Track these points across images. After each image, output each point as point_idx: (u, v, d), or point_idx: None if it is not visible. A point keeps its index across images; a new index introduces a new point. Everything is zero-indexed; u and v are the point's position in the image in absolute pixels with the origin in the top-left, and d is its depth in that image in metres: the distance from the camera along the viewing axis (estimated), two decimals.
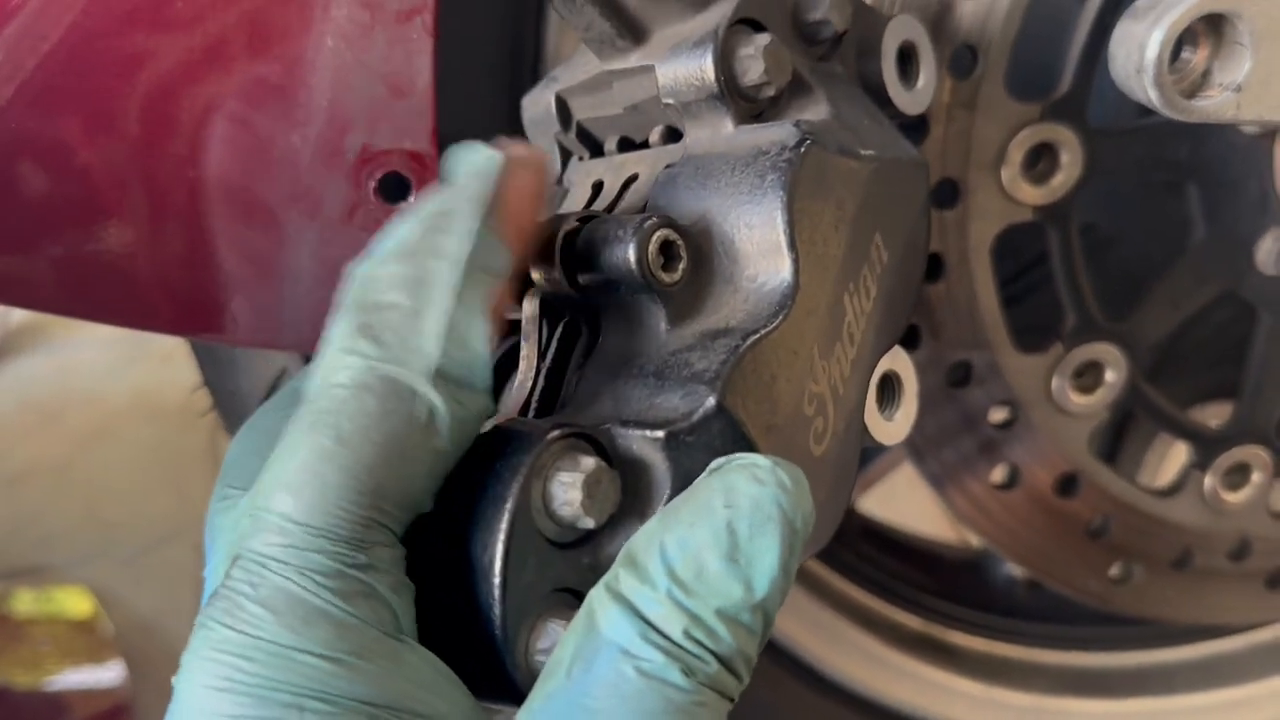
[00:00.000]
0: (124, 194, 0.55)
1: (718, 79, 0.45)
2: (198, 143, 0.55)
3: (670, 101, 0.47)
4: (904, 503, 1.03)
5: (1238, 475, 0.73)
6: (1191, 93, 0.54)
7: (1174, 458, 0.84)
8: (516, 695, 0.35)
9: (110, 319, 0.58)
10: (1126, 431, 0.88)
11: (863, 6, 0.51)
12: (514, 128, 0.55)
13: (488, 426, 0.41)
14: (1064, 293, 0.68)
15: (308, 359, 0.62)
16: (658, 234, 0.42)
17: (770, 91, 0.47)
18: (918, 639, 0.88)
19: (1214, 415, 0.79)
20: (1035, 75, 0.63)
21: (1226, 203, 0.68)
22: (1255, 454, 0.73)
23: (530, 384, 0.44)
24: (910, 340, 0.66)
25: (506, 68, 0.65)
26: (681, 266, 0.43)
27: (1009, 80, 0.61)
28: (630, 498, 0.38)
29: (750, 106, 0.47)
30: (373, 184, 0.56)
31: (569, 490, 0.36)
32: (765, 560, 0.33)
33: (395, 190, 0.56)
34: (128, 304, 0.57)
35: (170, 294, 0.58)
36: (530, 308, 0.45)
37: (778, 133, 0.44)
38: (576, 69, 0.52)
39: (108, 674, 1.44)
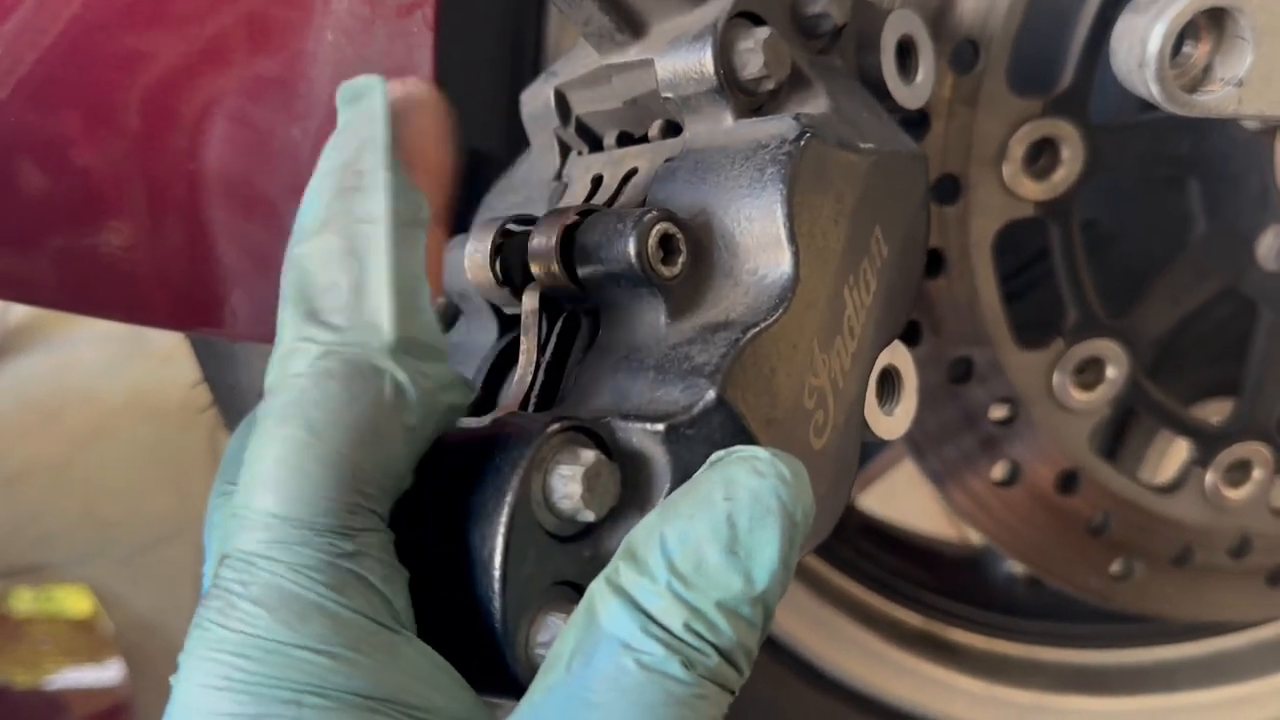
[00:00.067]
0: (123, 189, 0.55)
1: (717, 72, 0.45)
2: (198, 137, 0.55)
3: (669, 95, 0.47)
4: (904, 500, 1.04)
5: (1238, 472, 0.73)
6: (1193, 87, 0.54)
7: (1175, 454, 0.84)
8: (516, 689, 0.35)
9: (110, 314, 0.58)
10: (1127, 428, 0.88)
11: (862, 0, 0.51)
12: (514, 121, 0.54)
13: (488, 420, 0.41)
14: (1065, 289, 0.68)
15: None
16: (657, 227, 0.41)
17: (770, 85, 0.46)
18: (918, 636, 0.88)
19: (1215, 412, 0.79)
20: (1037, 70, 0.63)
21: (1227, 198, 0.68)
22: (1256, 450, 0.73)
23: (530, 378, 0.44)
24: (911, 336, 0.66)
25: (507, 62, 0.65)
26: (681, 260, 0.42)
27: (1010, 75, 0.61)
28: (630, 491, 0.38)
29: (750, 100, 0.47)
30: None
31: (569, 483, 0.36)
32: (765, 553, 0.33)
33: None
34: (127, 299, 0.57)
35: (170, 288, 0.58)
36: (530, 302, 0.45)
37: (777, 126, 0.44)
38: (576, 63, 0.52)
39: (107, 673, 1.44)
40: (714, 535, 0.33)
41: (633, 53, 0.49)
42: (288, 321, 0.37)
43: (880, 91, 0.52)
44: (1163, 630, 0.90)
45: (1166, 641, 0.91)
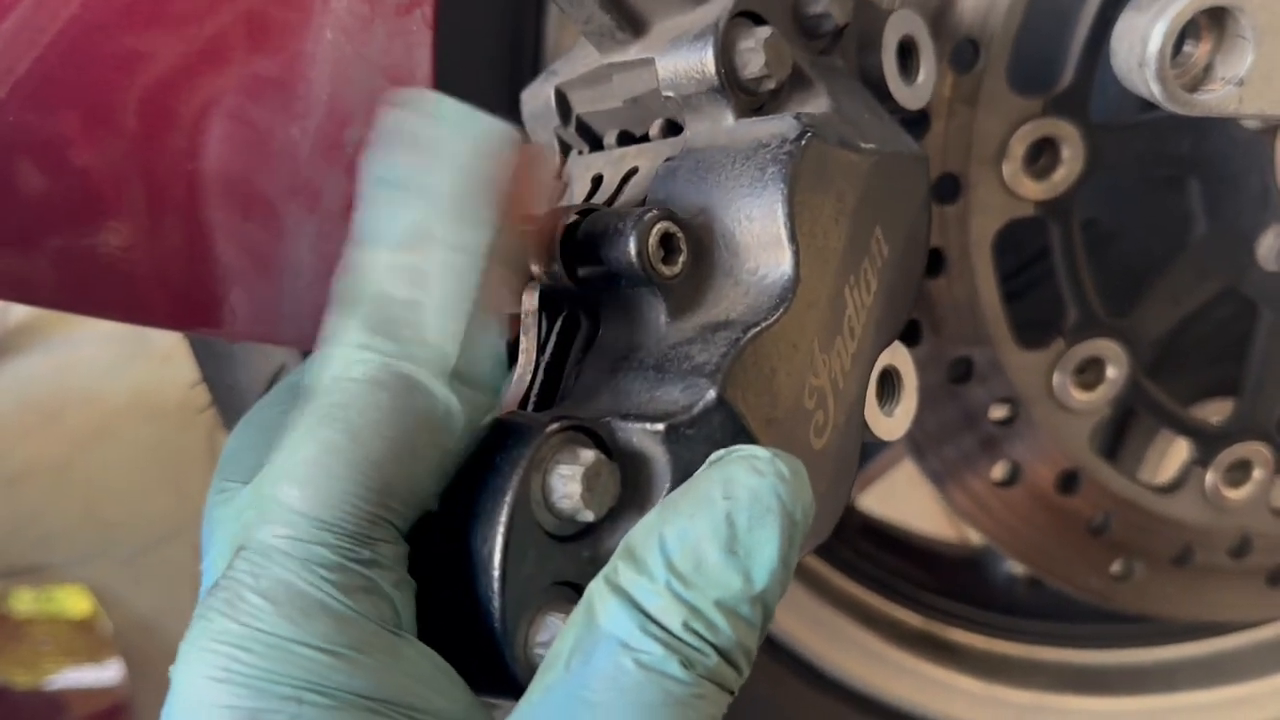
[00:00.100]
0: (122, 189, 0.55)
1: (718, 72, 0.45)
2: (196, 136, 0.55)
3: (670, 94, 0.47)
4: (904, 500, 1.03)
5: (1239, 472, 0.73)
6: (1194, 86, 0.53)
7: (1175, 454, 0.84)
8: (516, 689, 0.35)
9: (109, 314, 0.58)
10: (1127, 428, 0.88)
11: (863, 1, 0.51)
12: (513, 121, 0.54)
13: (487, 420, 0.41)
14: (1065, 288, 0.68)
15: (306, 354, 0.62)
16: (658, 226, 0.41)
17: (771, 85, 0.46)
18: (918, 636, 0.88)
19: (1215, 412, 0.79)
20: (1037, 70, 0.63)
21: (1228, 198, 0.67)
22: (1256, 450, 0.73)
23: (529, 377, 0.44)
24: (911, 336, 0.66)
25: (506, 60, 0.65)
26: (681, 259, 0.42)
27: (1010, 75, 0.61)
28: (630, 491, 0.38)
29: (750, 99, 0.47)
30: None
31: (568, 483, 0.36)
32: (764, 552, 0.33)
33: None
34: (126, 299, 0.57)
35: (169, 288, 0.58)
36: (529, 301, 0.45)
37: (778, 125, 0.44)
38: (576, 62, 0.52)
39: (107, 673, 1.44)
40: (713, 534, 0.33)
41: (633, 51, 0.49)
42: (351, 325, 0.36)
43: (881, 92, 0.52)
44: (1163, 630, 0.90)
45: (1167, 641, 0.91)
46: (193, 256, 0.57)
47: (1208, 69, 0.54)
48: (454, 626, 0.36)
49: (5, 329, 2.08)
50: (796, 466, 0.35)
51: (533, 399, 0.43)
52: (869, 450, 0.85)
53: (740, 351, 0.40)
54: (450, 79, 0.56)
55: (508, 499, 0.35)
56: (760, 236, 0.42)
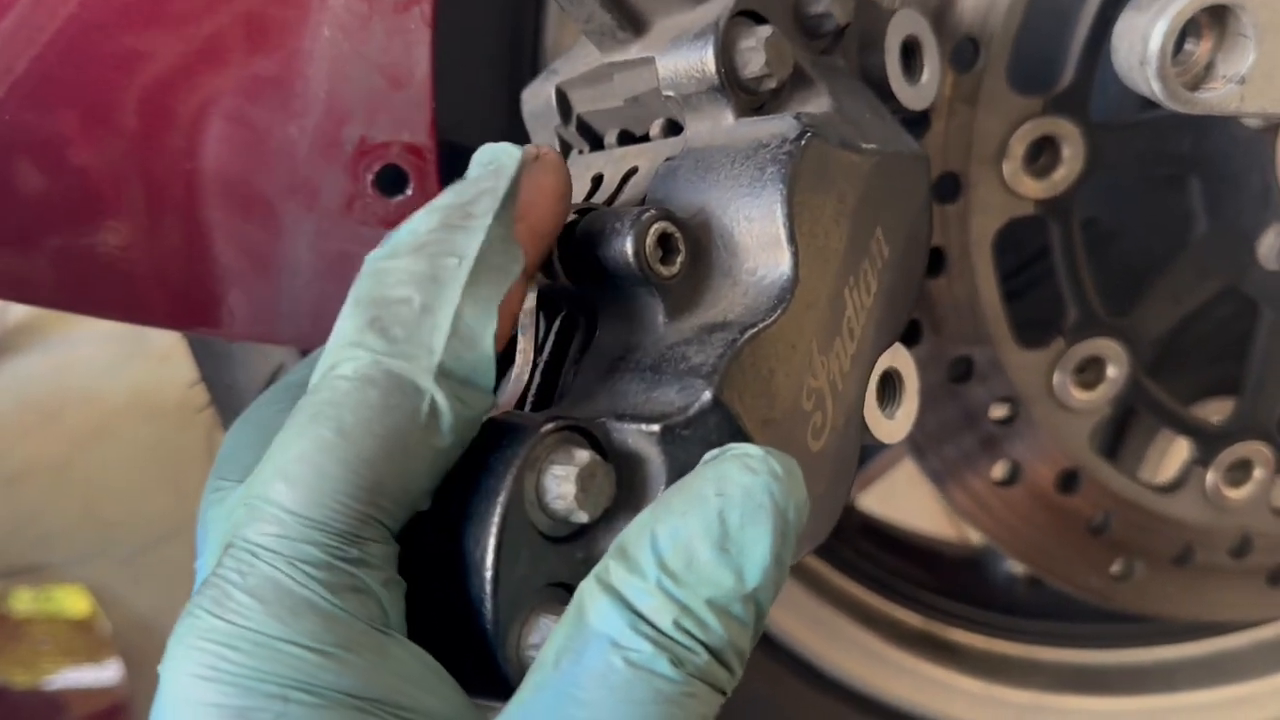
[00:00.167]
0: (121, 188, 0.55)
1: (718, 71, 0.45)
2: (195, 136, 0.55)
3: (670, 94, 0.47)
4: (904, 499, 1.03)
5: (1239, 471, 0.73)
6: (1195, 85, 0.53)
7: (1175, 454, 0.84)
8: (507, 690, 0.35)
9: (107, 313, 0.58)
10: (1128, 427, 0.88)
11: (865, 0, 0.51)
12: (513, 120, 0.54)
13: (484, 419, 0.40)
14: (1065, 287, 0.67)
15: (305, 352, 0.62)
16: (655, 226, 0.41)
17: (771, 84, 0.46)
18: (917, 636, 0.88)
19: (1215, 411, 0.79)
20: (1037, 69, 0.63)
21: (1229, 197, 0.67)
22: (1257, 450, 0.73)
23: (527, 378, 0.44)
24: (911, 335, 0.66)
25: (506, 59, 0.65)
26: (679, 259, 0.42)
27: (1011, 74, 0.61)
28: (625, 492, 0.38)
29: (751, 99, 0.46)
30: (370, 176, 0.55)
31: (562, 483, 0.36)
32: (757, 550, 0.33)
33: (393, 183, 0.56)
34: (125, 298, 0.57)
35: (167, 288, 0.58)
36: (527, 301, 0.44)
37: (778, 125, 0.44)
38: (577, 61, 0.52)
39: (105, 673, 1.44)
40: (705, 532, 0.33)
41: (634, 51, 0.49)
42: (347, 326, 0.37)
43: (883, 92, 0.52)
44: (1163, 630, 0.90)
45: (1167, 641, 0.90)
46: (191, 256, 0.57)
47: (1209, 67, 0.53)
48: (446, 627, 0.36)
49: (4, 328, 2.08)
50: (790, 465, 0.35)
51: (530, 399, 0.43)
52: (869, 450, 0.86)
53: (737, 353, 0.40)
54: (449, 77, 0.56)
55: (501, 499, 0.35)
56: (759, 237, 0.42)
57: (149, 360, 1.92)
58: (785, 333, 0.42)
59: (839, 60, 0.51)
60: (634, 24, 0.48)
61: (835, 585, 0.86)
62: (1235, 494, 0.73)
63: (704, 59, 0.45)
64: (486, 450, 0.36)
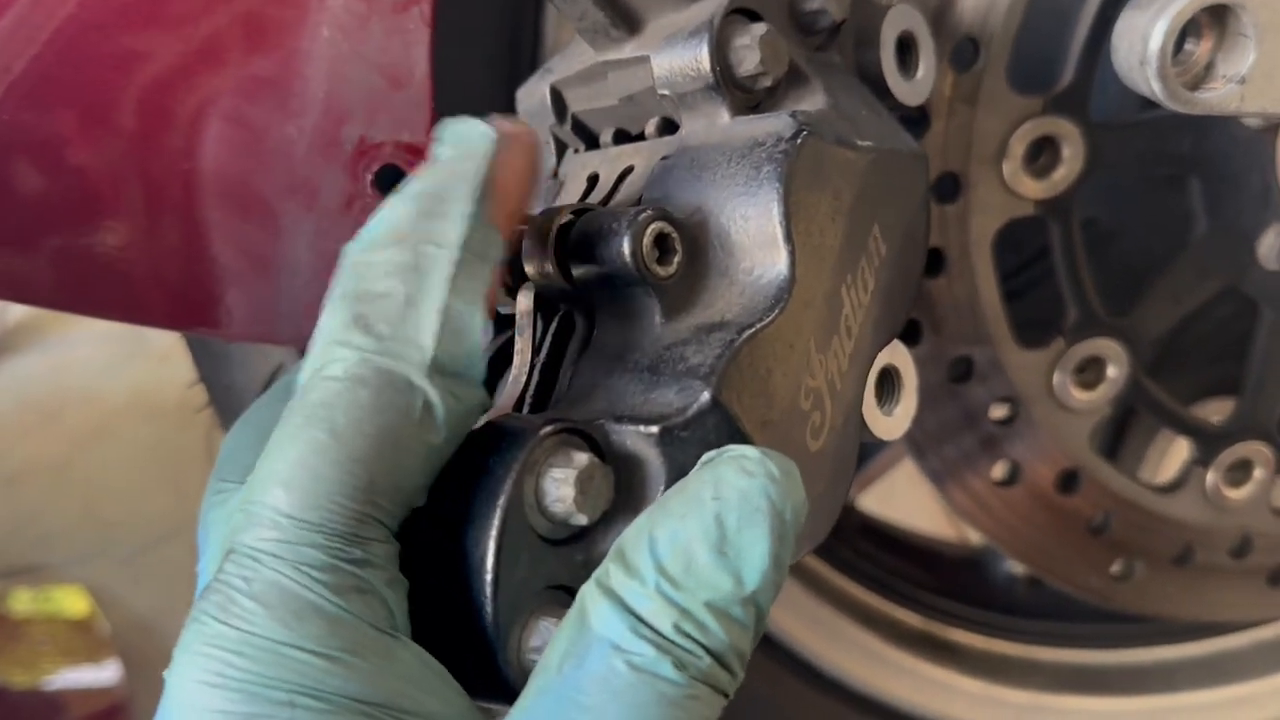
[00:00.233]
0: (119, 188, 0.55)
1: (713, 69, 0.45)
2: (193, 136, 0.54)
3: (666, 92, 0.46)
4: (903, 500, 1.03)
5: (1239, 471, 0.73)
6: (1195, 85, 0.53)
7: (1175, 454, 0.84)
8: (509, 694, 0.35)
9: (106, 314, 0.58)
10: (1128, 427, 0.88)
11: None
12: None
13: (481, 422, 0.40)
14: (1065, 287, 0.67)
15: (304, 353, 0.62)
16: (652, 226, 0.41)
17: (766, 82, 0.46)
18: (917, 636, 0.88)
19: (1215, 411, 0.79)
20: (1037, 68, 0.63)
21: (1229, 197, 0.67)
22: (1257, 450, 0.73)
23: (524, 379, 0.44)
24: (911, 335, 0.66)
25: (505, 59, 0.65)
26: (676, 259, 0.42)
27: (1011, 73, 0.61)
28: (624, 494, 0.38)
29: (746, 97, 0.46)
30: (370, 176, 0.55)
31: (561, 486, 0.36)
32: (755, 552, 0.33)
33: (392, 182, 0.55)
34: (124, 298, 0.57)
35: (166, 288, 0.58)
36: (525, 302, 0.44)
37: (774, 124, 0.44)
38: (572, 60, 0.52)
39: (105, 673, 1.43)
40: (703, 535, 0.33)
41: (629, 49, 0.48)
42: (331, 324, 0.37)
43: (880, 88, 0.52)
44: (1163, 630, 0.90)
45: (1167, 641, 0.90)
46: (190, 256, 0.57)
47: (1209, 67, 0.53)
48: (447, 631, 0.36)
49: (3, 328, 2.08)
50: (787, 466, 0.34)
51: (528, 401, 0.43)
52: (869, 450, 0.85)
53: (735, 353, 0.40)
54: (448, 77, 0.56)
55: (500, 502, 0.35)
56: (756, 236, 0.42)
57: (148, 360, 1.92)
58: (783, 332, 0.41)
59: (835, 57, 0.51)
60: (628, 22, 0.48)
61: (835, 585, 0.86)
62: (1235, 494, 0.73)
63: (699, 57, 0.45)
64: (485, 453, 0.36)
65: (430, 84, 0.54)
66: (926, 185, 0.51)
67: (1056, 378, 0.67)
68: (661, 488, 0.38)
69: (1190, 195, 0.69)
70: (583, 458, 0.36)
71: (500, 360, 0.45)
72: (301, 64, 0.54)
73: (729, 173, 0.43)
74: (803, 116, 0.44)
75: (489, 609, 0.35)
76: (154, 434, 1.82)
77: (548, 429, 0.36)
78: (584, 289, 0.43)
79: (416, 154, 0.55)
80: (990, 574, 0.93)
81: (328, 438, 0.34)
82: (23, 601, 1.53)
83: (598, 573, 0.34)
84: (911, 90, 0.53)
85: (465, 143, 0.39)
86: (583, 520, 0.36)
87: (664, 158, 0.46)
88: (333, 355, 0.36)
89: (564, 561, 0.37)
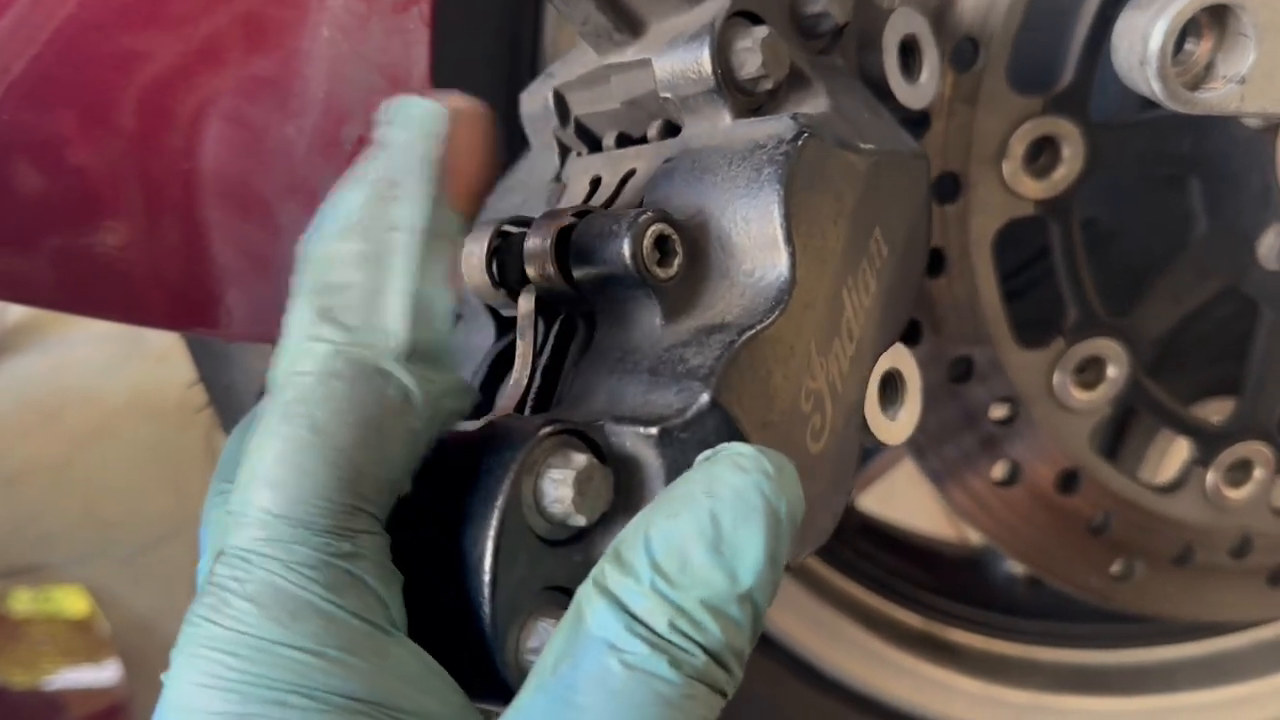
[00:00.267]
0: (119, 188, 0.55)
1: (715, 72, 0.45)
2: (193, 136, 0.55)
3: (668, 95, 0.46)
4: (903, 500, 1.03)
5: (1239, 471, 0.73)
6: (1195, 85, 0.53)
7: (1175, 454, 0.84)
8: (506, 694, 0.35)
9: (106, 314, 0.58)
10: (1128, 427, 0.88)
11: None
12: (512, 121, 0.54)
13: (482, 423, 0.40)
14: (1065, 287, 0.67)
15: None
16: (652, 228, 0.41)
17: (768, 85, 0.46)
18: (917, 636, 0.88)
19: (1216, 411, 0.79)
20: (1037, 68, 0.63)
21: (1229, 197, 0.67)
22: (1257, 450, 0.73)
23: (525, 381, 0.44)
24: (911, 335, 0.66)
25: (504, 59, 0.64)
26: (677, 261, 0.42)
27: (1010, 73, 0.61)
28: (623, 495, 0.38)
29: (748, 100, 0.46)
30: None
31: (560, 487, 0.36)
32: (750, 550, 0.33)
33: None
34: (123, 299, 0.57)
35: (165, 288, 0.58)
36: (526, 305, 0.44)
37: (775, 126, 0.44)
38: (574, 64, 0.52)
39: (104, 673, 1.43)
40: (698, 533, 0.33)
41: (631, 53, 0.48)
42: (298, 318, 0.36)
43: (882, 91, 0.52)
44: (1163, 630, 0.90)
45: (1167, 641, 0.90)
46: (190, 256, 0.57)
47: (1209, 67, 0.53)
48: (446, 630, 0.36)
49: (3, 329, 2.08)
50: (782, 463, 0.34)
51: (529, 402, 0.43)
52: (869, 450, 0.85)
53: (735, 354, 0.40)
54: (447, 77, 0.56)
55: (499, 503, 0.35)
56: (756, 238, 0.42)
57: (147, 361, 1.92)
58: (783, 334, 0.42)
59: (837, 60, 0.51)
60: (630, 26, 0.48)
61: (835, 586, 0.86)
62: (1235, 494, 0.73)
63: (700, 60, 0.45)
64: (484, 453, 0.36)
65: (429, 84, 0.54)
66: (928, 187, 0.51)
67: (1056, 378, 0.67)
68: (660, 489, 0.38)
69: (1190, 195, 0.69)
70: (581, 459, 0.36)
71: (501, 363, 0.46)
72: (301, 64, 0.54)
73: (730, 175, 0.43)
74: (804, 119, 0.44)
75: (487, 610, 0.35)
76: (154, 434, 1.82)
77: (546, 429, 0.36)
78: (585, 291, 0.43)
79: None
80: (990, 574, 0.93)
81: (309, 434, 0.34)
82: (23, 601, 1.53)
83: (594, 572, 0.33)
84: (915, 94, 0.53)
85: (415, 122, 0.38)
86: (581, 521, 0.36)
87: (666, 160, 0.46)
88: (304, 351, 0.36)
89: (562, 562, 0.37)
